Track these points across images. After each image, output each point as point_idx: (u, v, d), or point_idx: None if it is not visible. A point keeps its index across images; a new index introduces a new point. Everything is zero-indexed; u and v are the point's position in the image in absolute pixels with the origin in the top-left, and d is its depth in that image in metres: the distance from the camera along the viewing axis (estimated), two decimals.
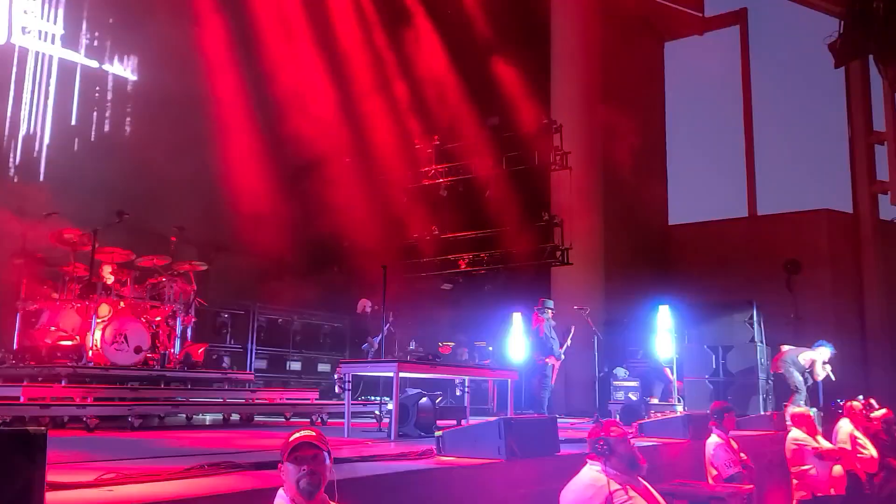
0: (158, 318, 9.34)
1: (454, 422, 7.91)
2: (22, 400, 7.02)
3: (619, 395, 12.65)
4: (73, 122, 13.09)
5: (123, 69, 13.88)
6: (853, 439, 8.27)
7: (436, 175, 15.99)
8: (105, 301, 8.76)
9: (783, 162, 20.02)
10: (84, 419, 6.83)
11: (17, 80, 12.49)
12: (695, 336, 12.13)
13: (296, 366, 14.34)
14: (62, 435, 6.25)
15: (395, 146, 16.18)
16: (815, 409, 10.33)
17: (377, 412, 8.53)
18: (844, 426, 8.47)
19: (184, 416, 8.47)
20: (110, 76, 13.70)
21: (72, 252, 8.96)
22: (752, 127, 20.48)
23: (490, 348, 13.88)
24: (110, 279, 9.01)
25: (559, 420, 6.48)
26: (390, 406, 7.13)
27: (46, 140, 12.66)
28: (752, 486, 6.15)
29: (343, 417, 7.34)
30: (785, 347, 11.72)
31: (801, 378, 11.27)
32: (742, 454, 6.56)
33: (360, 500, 3.94)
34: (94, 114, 13.41)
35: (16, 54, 12.54)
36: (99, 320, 8.56)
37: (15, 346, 8.63)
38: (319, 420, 8.71)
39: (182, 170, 12.02)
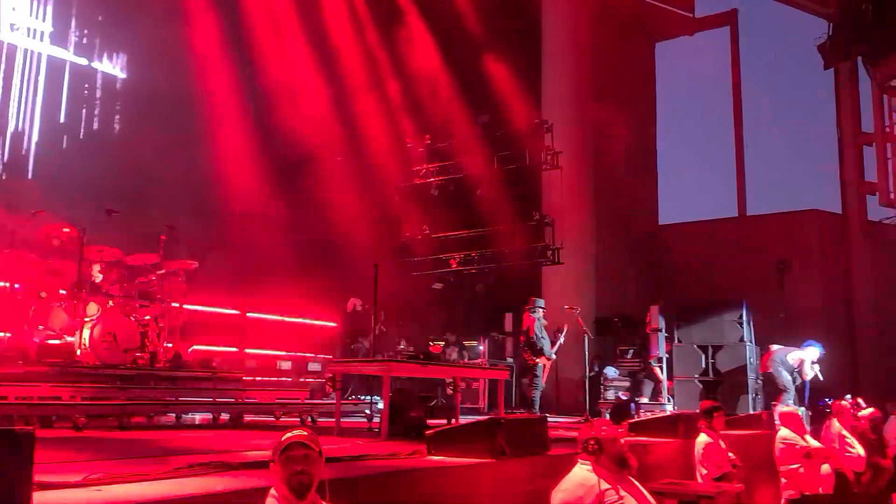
0: (148, 317, 9.28)
1: (444, 421, 7.90)
2: (9, 399, 6.96)
3: (610, 395, 12.69)
4: (62, 120, 13.03)
5: (112, 67, 13.81)
6: (841, 438, 8.33)
7: (427, 174, 15.98)
8: (94, 299, 8.71)
9: (773, 162, 20.18)
10: (72, 418, 6.79)
11: (6, 77, 12.41)
12: (685, 335, 12.17)
13: (286, 365, 14.29)
14: (50, 434, 6.21)
15: (387, 145, 16.18)
16: (803, 409, 10.39)
17: (368, 411, 8.51)
18: (833, 425, 8.53)
19: (173, 415, 8.42)
20: (99, 74, 13.63)
21: (60, 250, 8.89)
22: (741, 127, 20.60)
23: (481, 347, 13.90)
24: (99, 277, 8.95)
25: (549, 419, 6.49)
26: (381, 405, 7.12)
27: (35, 137, 12.59)
28: (741, 485, 6.18)
29: (333, 417, 7.33)
30: (774, 347, 11.79)
31: (789, 377, 11.34)
32: (731, 453, 6.59)
33: (350, 499, 3.93)
34: (83, 111, 13.35)
35: (4, 51, 12.46)
36: (88, 319, 8.50)
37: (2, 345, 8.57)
38: (310, 419, 8.68)
39: (172, 167, 11.98)
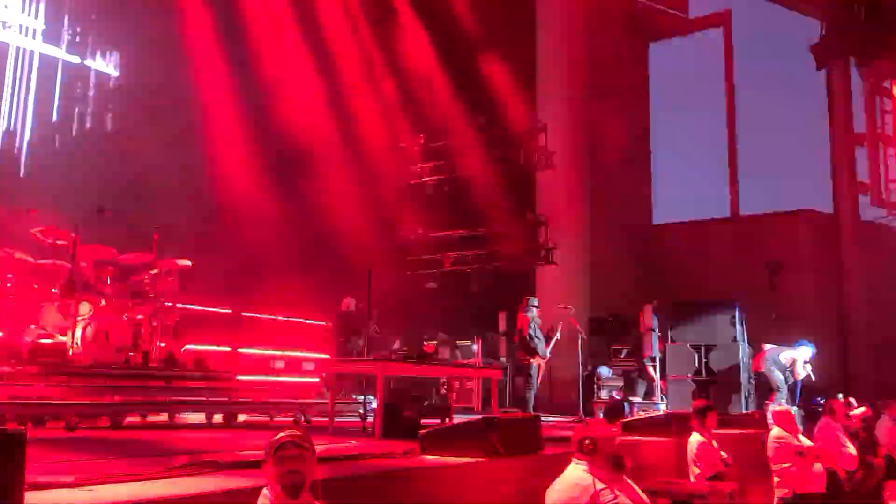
0: (140, 317, 9.26)
1: (438, 420, 7.90)
2: (1, 398, 6.92)
3: (603, 394, 12.71)
4: (55, 118, 12.98)
5: (105, 65, 13.76)
6: (834, 437, 8.36)
7: (422, 174, 15.98)
8: (86, 298, 8.67)
9: (765, 162, 20.22)
10: (64, 418, 6.76)
11: None
12: (678, 335, 12.20)
13: (279, 364, 14.25)
14: (42, 434, 6.19)
15: (382, 145, 16.17)
16: (795, 408, 10.43)
17: (361, 411, 8.51)
18: (826, 424, 8.57)
19: (166, 415, 8.41)
20: (92, 72, 13.58)
21: (52, 249, 8.86)
22: (735, 127, 20.66)
23: (474, 347, 13.89)
24: (91, 277, 8.92)
25: (543, 419, 6.50)
26: (374, 405, 7.12)
27: (27, 136, 12.54)
28: (734, 484, 6.20)
29: (327, 416, 7.32)
30: (766, 346, 11.82)
31: (782, 377, 11.39)
32: (723, 452, 6.61)
33: (344, 499, 3.93)
34: (76, 110, 13.30)
35: None
36: (80, 318, 8.46)
37: None
38: (303, 419, 8.67)
39: (165, 166, 11.94)
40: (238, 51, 14.10)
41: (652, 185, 21.16)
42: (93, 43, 13.61)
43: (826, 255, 19.06)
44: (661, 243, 20.33)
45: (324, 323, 15.20)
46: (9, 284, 8.65)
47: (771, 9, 19.79)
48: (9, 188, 11.36)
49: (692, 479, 6.37)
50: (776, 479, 7.41)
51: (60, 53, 13.16)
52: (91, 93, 13.52)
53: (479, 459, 4.96)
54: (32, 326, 8.47)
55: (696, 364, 11.80)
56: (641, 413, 10.01)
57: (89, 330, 8.42)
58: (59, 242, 8.80)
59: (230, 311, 13.82)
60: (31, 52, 12.81)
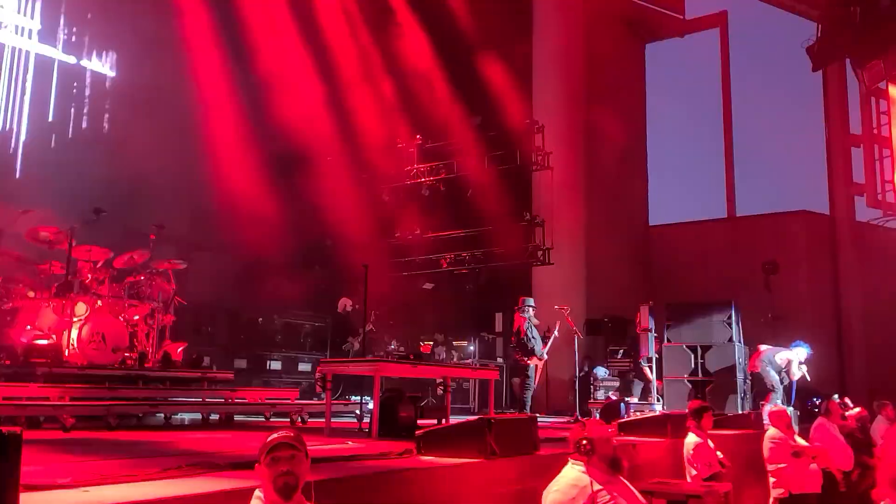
0: (137, 317, 9.25)
1: (435, 421, 7.90)
2: None
3: (600, 395, 12.73)
4: (51, 119, 12.93)
5: (102, 65, 13.73)
6: (831, 437, 8.38)
7: (418, 174, 15.99)
8: (82, 299, 8.66)
9: (762, 163, 20.25)
10: (60, 419, 6.75)
11: None
12: (674, 336, 12.21)
13: (276, 365, 14.26)
14: (38, 435, 6.17)
15: (379, 145, 16.17)
16: (791, 408, 10.45)
17: (358, 412, 8.51)
18: (822, 425, 8.59)
19: (162, 415, 8.39)
20: (88, 72, 13.55)
21: (48, 250, 8.85)
22: (731, 129, 20.68)
23: (471, 347, 13.91)
24: (88, 277, 8.91)
25: (539, 419, 6.50)
26: (371, 405, 7.12)
27: (23, 136, 12.50)
28: (729, 484, 6.21)
29: (323, 417, 7.32)
30: (762, 347, 11.85)
31: (777, 377, 11.41)
32: (719, 452, 6.62)
33: (340, 499, 3.93)
34: (72, 110, 13.26)
35: None
36: (76, 319, 8.46)
37: None
38: (300, 420, 8.67)
39: (161, 167, 11.91)
40: (235, 51, 14.08)
41: (648, 185, 21.19)
42: (89, 43, 13.57)
43: (822, 256, 19.11)
44: (658, 244, 20.36)
45: (321, 324, 15.23)
46: (4, 285, 8.64)
47: (767, 10, 19.85)
48: (5, 189, 11.34)
49: (688, 480, 6.39)
50: (772, 480, 7.43)
51: (56, 53, 13.13)
52: (87, 93, 13.48)
53: (476, 460, 4.96)
54: (28, 327, 8.46)
55: (693, 365, 11.82)
56: (638, 414, 10.01)
57: (85, 330, 8.41)
58: (55, 243, 8.79)
59: (227, 312, 13.84)
60: (27, 53, 12.78)
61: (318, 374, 8.47)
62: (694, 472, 6.40)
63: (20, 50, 12.70)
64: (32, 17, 12.91)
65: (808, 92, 20.03)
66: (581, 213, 16.04)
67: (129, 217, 10.65)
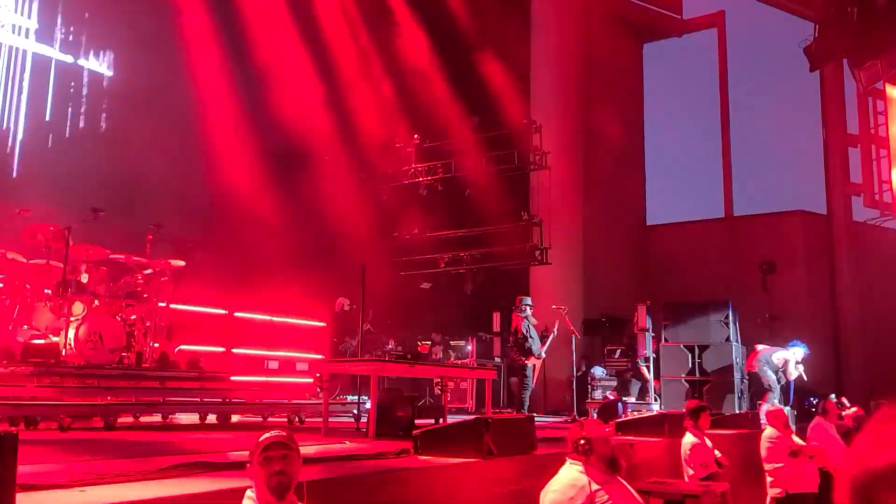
0: (134, 317, 9.23)
1: (432, 421, 7.91)
2: None
3: (597, 394, 12.73)
4: (48, 118, 12.91)
5: (99, 65, 13.71)
6: (829, 437, 8.39)
7: (416, 174, 15.99)
8: (79, 299, 8.65)
9: (759, 163, 20.26)
10: (57, 419, 6.74)
11: None
12: (671, 335, 12.23)
13: (274, 365, 14.22)
14: (35, 435, 6.17)
15: (377, 145, 16.17)
16: (788, 408, 10.47)
17: (355, 411, 8.51)
18: (819, 424, 8.61)
19: (159, 415, 8.39)
20: (85, 71, 13.53)
21: (46, 249, 8.83)
22: (728, 128, 20.70)
23: (469, 347, 13.91)
24: (85, 277, 8.89)
25: (537, 419, 6.50)
26: (368, 405, 7.12)
27: (20, 136, 12.48)
28: (726, 484, 6.22)
29: (321, 417, 7.31)
30: (759, 347, 11.87)
31: (774, 377, 11.43)
32: (717, 451, 6.63)
33: (337, 499, 3.93)
34: (69, 109, 13.24)
35: None
36: (73, 319, 8.44)
37: None
38: (297, 419, 8.67)
39: (158, 166, 11.91)
40: (232, 51, 14.06)
41: (646, 185, 21.20)
42: (86, 42, 13.55)
43: (819, 256, 19.13)
44: (655, 244, 20.38)
45: (318, 323, 15.20)
46: (1, 284, 8.62)
47: (764, 10, 19.85)
48: (2, 188, 11.33)
49: (686, 480, 6.39)
50: (769, 479, 7.44)
51: (54, 53, 13.10)
52: (84, 92, 13.47)
53: (473, 460, 4.96)
54: (25, 327, 8.44)
55: (690, 364, 11.84)
56: (635, 413, 10.03)
57: (82, 330, 8.40)
58: (51, 242, 8.77)
59: (224, 312, 13.81)
60: (24, 52, 12.76)
61: (316, 374, 8.48)
62: (691, 473, 6.41)
63: (17, 49, 12.68)
64: (30, 17, 12.89)
65: (806, 92, 20.06)
66: (579, 212, 16.05)
67: (126, 216, 10.63)
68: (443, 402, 8.66)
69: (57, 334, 8.33)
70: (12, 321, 8.53)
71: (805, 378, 11.67)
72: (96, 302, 8.84)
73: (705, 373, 11.78)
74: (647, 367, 12.18)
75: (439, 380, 8.29)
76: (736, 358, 11.79)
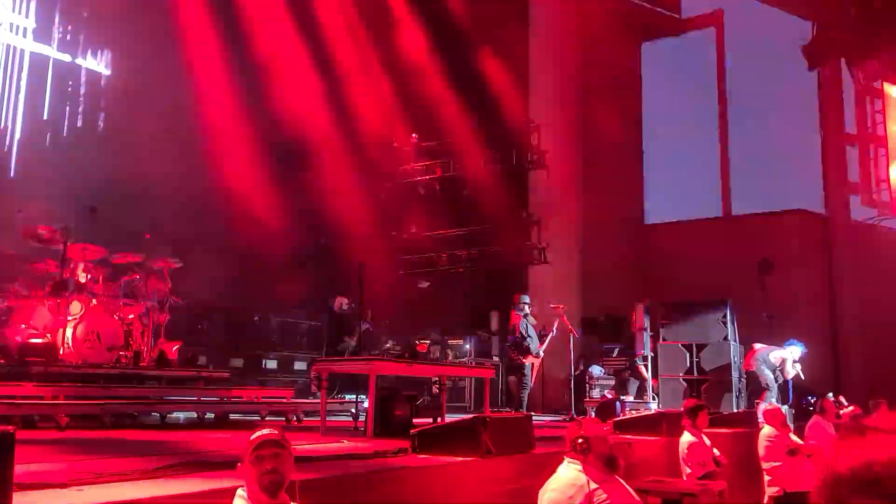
0: (132, 316, 9.24)
1: (430, 420, 7.90)
2: None
3: (595, 393, 12.74)
4: (45, 117, 12.90)
5: (97, 64, 13.69)
6: (825, 436, 8.41)
7: (414, 173, 15.98)
8: (77, 298, 8.64)
9: (757, 162, 20.26)
10: (55, 418, 6.73)
11: None
12: (669, 334, 12.24)
13: (272, 364, 14.24)
14: (33, 434, 6.16)
15: (375, 144, 16.16)
16: (786, 407, 10.48)
17: (353, 410, 8.51)
18: (818, 423, 8.62)
19: (157, 415, 8.38)
20: (83, 71, 13.51)
21: (43, 248, 8.82)
22: (727, 127, 20.71)
23: (467, 346, 13.91)
24: (83, 276, 8.89)
25: (535, 418, 6.51)
26: (366, 404, 7.12)
27: (17, 135, 12.46)
28: (724, 483, 6.22)
29: (319, 416, 7.31)
30: (757, 346, 11.87)
31: (772, 376, 11.44)
32: (715, 449, 6.63)
33: (335, 498, 3.93)
34: (67, 109, 13.23)
35: None
36: (71, 318, 8.44)
37: None
38: (295, 419, 8.67)
39: (156, 165, 11.89)
40: (232, 49, 14.04)
41: (644, 184, 21.21)
42: (84, 41, 13.53)
43: (817, 255, 19.15)
44: (653, 243, 20.38)
45: (316, 322, 15.21)
46: None
47: (763, 9, 19.85)
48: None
49: (684, 479, 6.40)
50: (767, 478, 7.45)
51: (51, 52, 13.09)
52: (82, 91, 13.45)
53: (471, 458, 4.96)
54: (23, 326, 8.44)
55: (688, 363, 11.84)
56: (633, 412, 10.03)
57: (80, 329, 8.40)
58: (50, 242, 8.77)
59: (222, 311, 13.82)
60: (22, 51, 12.74)
61: (313, 373, 8.49)
62: (688, 471, 6.41)
63: (15, 48, 12.67)
64: (27, 16, 12.87)
65: (804, 91, 20.07)
66: (577, 211, 16.06)
67: (124, 216, 10.62)
68: (441, 401, 8.66)
69: (55, 333, 8.32)
70: (10, 320, 8.52)
71: (802, 377, 11.68)
72: (94, 301, 8.85)
73: (703, 372, 11.79)
74: (645, 366, 12.18)
75: (437, 379, 8.29)
76: (734, 357, 11.79)
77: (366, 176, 16.11)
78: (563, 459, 4.22)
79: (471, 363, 12.42)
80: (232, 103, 13.90)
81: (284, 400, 9.43)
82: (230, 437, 6.73)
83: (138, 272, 9.34)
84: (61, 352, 8.21)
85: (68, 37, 13.36)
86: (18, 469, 2.71)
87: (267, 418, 8.54)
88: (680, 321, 12.20)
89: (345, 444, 5.90)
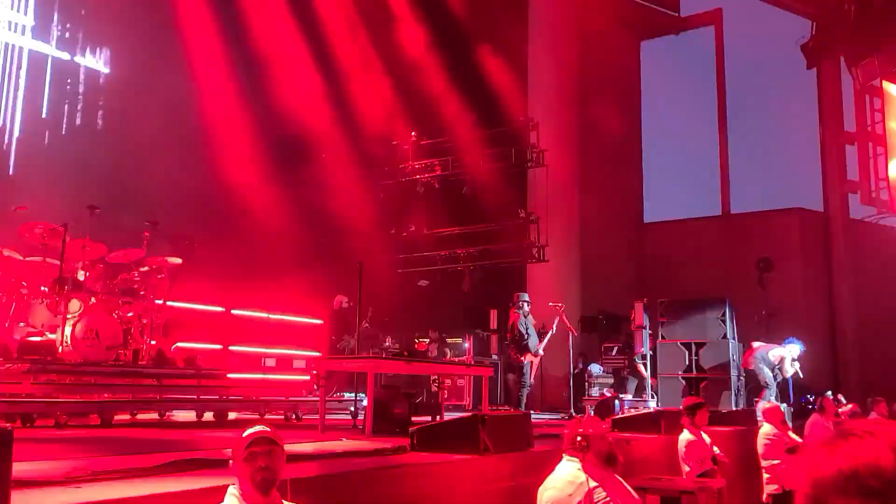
0: (131, 314, 9.22)
1: (429, 418, 7.91)
2: None
3: (594, 392, 12.75)
4: (44, 115, 12.88)
5: (96, 62, 13.68)
6: (824, 434, 8.42)
7: (413, 172, 15.98)
8: (76, 296, 8.63)
9: (756, 161, 20.28)
10: (54, 416, 6.73)
11: None
12: (668, 333, 12.25)
13: (271, 362, 14.22)
14: (32, 433, 6.16)
15: (375, 142, 16.15)
16: (785, 405, 10.49)
17: (352, 409, 8.51)
18: (817, 421, 8.63)
19: (156, 413, 8.38)
20: (82, 68, 13.49)
21: (42, 247, 8.81)
22: (725, 126, 20.72)
23: (466, 344, 13.91)
24: (81, 274, 8.88)
25: (533, 416, 6.51)
26: (365, 402, 7.12)
27: (16, 133, 12.44)
28: (723, 480, 6.23)
29: (318, 414, 7.32)
30: (756, 344, 11.89)
31: (770, 374, 11.45)
32: (715, 447, 6.64)
33: (334, 496, 3.93)
34: (66, 107, 13.21)
35: None
36: (70, 316, 8.43)
37: None
38: (294, 417, 8.67)
39: (155, 164, 11.89)
40: (231, 46, 14.03)
41: (643, 182, 21.22)
42: (83, 39, 13.51)
43: (816, 253, 19.17)
44: (652, 241, 20.40)
45: (316, 321, 15.20)
46: None
47: (762, 8, 19.86)
48: None
49: (683, 477, 6.40)
50: (766, 476, 7.47)
51: (50, 50, 13.06)
52: (81, 89, 13.43)
53: (469, 456, 4.97)
54: (22, 324, 8.44)
55: (687, 361, 11.85)
56: (632, 410, 10.04)
57: (79, 327, 8.39)
58: (48, 240, 8.76)
59: (221, 309, 13.80)
60: (21, 49, 12.72)
61: (313, 371, 8.49)
62: (687, 469, 6.42)
63: (13, 46, 12.65)
64: (26, 13, 12.85)
65: (803, 89, 20.08)
66: (576, 210, 16.06)
67: (123, 213, 10.61)
68: (440, 399, 8.67)
69: (53, 331, 8.32)
70: (9, 318, 8.52)
71: (801, 375, 11.70)
72: (93, 299, 8.83)
73: (702, 370, 11.80)
74: (644, 365, 12.19)
75: (437, 377, 8.29)
76: (733, 355, 11.80)
77: (365, 174, 16.10)
78: (562, 457, 4.23)
79: (470, 362, 12.41)
80: (231, 102, 13.89)
81: (283, 398, 9.43)
82: (229, 435, 6.74)
83: (137, 270, 9.33)
84: (60, 350, 8.20)
85: (67, 34, 13.33)
86: (17, 467, 2.71)
87: (266, 416, 8.55)
88: (679, 319, 12.22)
89: (344, 442, 5.90)
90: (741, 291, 14.39)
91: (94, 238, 8.99)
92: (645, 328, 12.19)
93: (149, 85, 13.06)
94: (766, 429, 7.68)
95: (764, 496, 7.47)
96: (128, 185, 11.68)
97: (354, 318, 10.54)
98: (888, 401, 9.98)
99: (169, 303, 9.71)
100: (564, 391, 12.16)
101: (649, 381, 12.17)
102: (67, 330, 8.33)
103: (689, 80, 21.19)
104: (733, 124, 20.63)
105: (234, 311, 13.95)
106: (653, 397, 11.94)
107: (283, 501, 2.90)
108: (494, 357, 13.84)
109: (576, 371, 12.76)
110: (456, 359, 13.06)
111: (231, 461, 2.90)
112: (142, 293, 9.31)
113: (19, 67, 12.65)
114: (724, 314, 11.98)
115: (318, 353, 12.82)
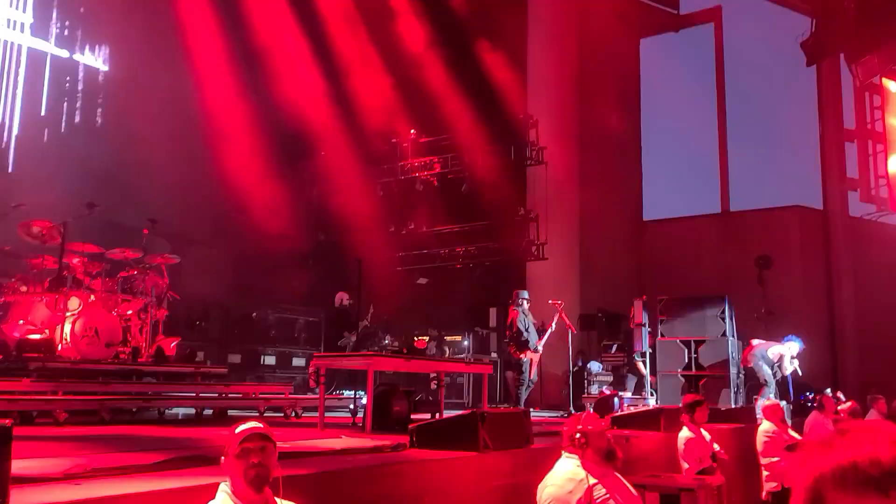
0: (130, 312, 9.23)
1: (429, 415, 7.91)
2: None
3: (593, 389, 12.75)
4: (43, 113, 12.88)
5: (95, 59, 13.67)
6: (824, 432, 8.42)
7: (413, 169, 15.97)
8: (75, 294, 8.64)
9: (755, 158, 20.27)
10: (53, 413, 6.73)
11: None
12: (668, 330, 12.25)
13: (270, 360, 14.24)
14: (31, 430, 6.16)
15: (374, 140, 16.14)
16: (784, 402, 10.49)
17: (352, 406, 8.51)
18: (816, 419, 8.64)
19: (156, 410, 8.38)
20: (81, 66, 13.49)
21: (41, 244, 8.81)
22: (725, 123, 20.71)
23: (465, 342, 13.92)
24: (81, 272, 8.88)
25: (533, 414, 6.51)
26: (365, 400, 7.12)
27: (15, 131, 12.44)
28: (722, 478, 6.23)
29: (317, 411, 7.32)
30: (755, 341, 11.89)
31: (770, 372, 11.45)
32: (715, 445, 6.64)
33: (333, 493, 3.93)
34: (65, 104, 13.21)
35: None
36: (69, 314, 8.43)
37: None
38: (294, 414, 8.67)
39: (154, 161, 11.88)
40: (231, 44, 14.01)
41: (642, 180, 21.21)
42: (82, 37, 13.51)
43: (815, 251, 19.16)
44: (652, 239, 20.39)
45: (315, 318, 15.21)
46: None
47: (762, 5, 19.84)
48: None
49: (682, 474, 6.40)
50: (765, 473, 7.47)
51: (49, 47, 13.06)
52: (80, 87, 13.42)
53: (469, 454, 4.97)
54: (21, 322, 8.43)
55: (686, 359, 11.85)
56: (631, 408, 10.04)
57: (78, 325, 8.39)
58: (47, 238, 8.76)
59: (220, 307, 13.81)
60: (20, 46, 12.71)
61: (311, 369, 8.48)
62: (686, 467, 6.42)
63: (12, 44, 12.64)
64: (25, 11, 12.84)
65: (802, 87, 20.06)
66: (575, 207, 16.05)
67: (121, 211, 10.62)
68: (439, 397, 8.67)
69: (53, 329, 8.32)
70: (8, 316, 8.52)
71: (800, 373, 11.70)
72: (92, 297, 8.84)
73: (701, 367, 11.81)
74: (644, 362, 12.19)
75: (436, 375, 8.29)
76: (732, 353, 11.81)
77: (365, 172, 16.10)
78: (562, 454, 4.23)
79: (469, 359, 12.42)
80: (230, 99, 13.89)
81: (283, 395, 9.43)
82: (228, 432, 6.74)
83: (136, 268, 9.33)
84: (59, 347, 8.21)
85: (66, 32, 13.33)
86: (16, 464, 2.71)
87: (265, 414, 8.55)
88: (678, 317, 12.22)
89: (343, 440, 5.90)
90: (740, 289, 14.38)
91: (94, 236, 9.00)
92: (644, 326, 12.18)
93: (148, 82, 13.06)
94: (765, 426, 7.68)
95: (763, 493, 7.47)
96: (127, 182, 11.68)
97: (355, 316, 10.55)
98: (887, 398, 9.98)
99: (168, 300, 9.72)
100: (564, 389, 12.16)
101: (648, 378, 12.17)
102: (67, 327, 8.34)
103: (689, 77, 21.16)
104: (733, 121, 20.64)
105: (233, 309, 13.96)
106: (652, 395, 11.94)
107: (276, 499, 2.85)
108: (494, 355, 13.85)
109: (575, 369, 12.76)
110: (455, 356, 13.06)
111: (223, 458, 2.84)
112: (141, 291, 9.32)
113: (18, 65, 12.64)
114: (723, 312, 11.98)
115: (317, 351, 12.83)
